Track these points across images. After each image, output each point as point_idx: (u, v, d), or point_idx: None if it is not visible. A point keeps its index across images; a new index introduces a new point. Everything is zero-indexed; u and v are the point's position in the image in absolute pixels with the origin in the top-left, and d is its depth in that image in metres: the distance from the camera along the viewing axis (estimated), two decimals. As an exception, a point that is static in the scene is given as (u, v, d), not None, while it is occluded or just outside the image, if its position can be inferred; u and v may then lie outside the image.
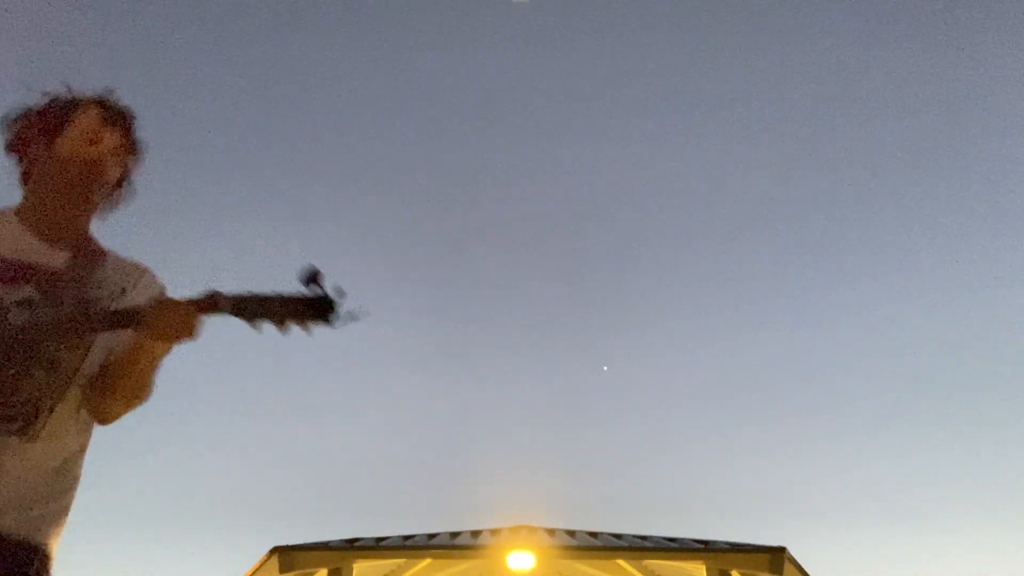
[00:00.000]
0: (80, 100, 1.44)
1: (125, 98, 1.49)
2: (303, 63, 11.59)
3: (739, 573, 6.88)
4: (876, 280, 12.22)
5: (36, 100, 1.44)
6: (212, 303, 1.30)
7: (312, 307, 1.34)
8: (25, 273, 1.31)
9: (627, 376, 13.78)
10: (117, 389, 1.33)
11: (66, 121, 1.41)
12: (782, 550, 6.53)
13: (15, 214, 1.39)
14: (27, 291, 1.29)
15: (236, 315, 1.31)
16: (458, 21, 11.42)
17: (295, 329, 1.33)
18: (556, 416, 13.91)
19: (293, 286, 1.34)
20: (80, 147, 1.39)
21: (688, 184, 12.39)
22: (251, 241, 12.16)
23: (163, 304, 1.29)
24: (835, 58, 11.10)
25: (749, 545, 6.81)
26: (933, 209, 11.86)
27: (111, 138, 1.43)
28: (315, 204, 12.50)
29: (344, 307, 1.37)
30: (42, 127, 1.41)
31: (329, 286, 1.35)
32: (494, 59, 12.00)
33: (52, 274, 1.33)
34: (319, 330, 1.35)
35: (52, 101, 1.44)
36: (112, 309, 1.34)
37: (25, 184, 1.43)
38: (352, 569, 6.65)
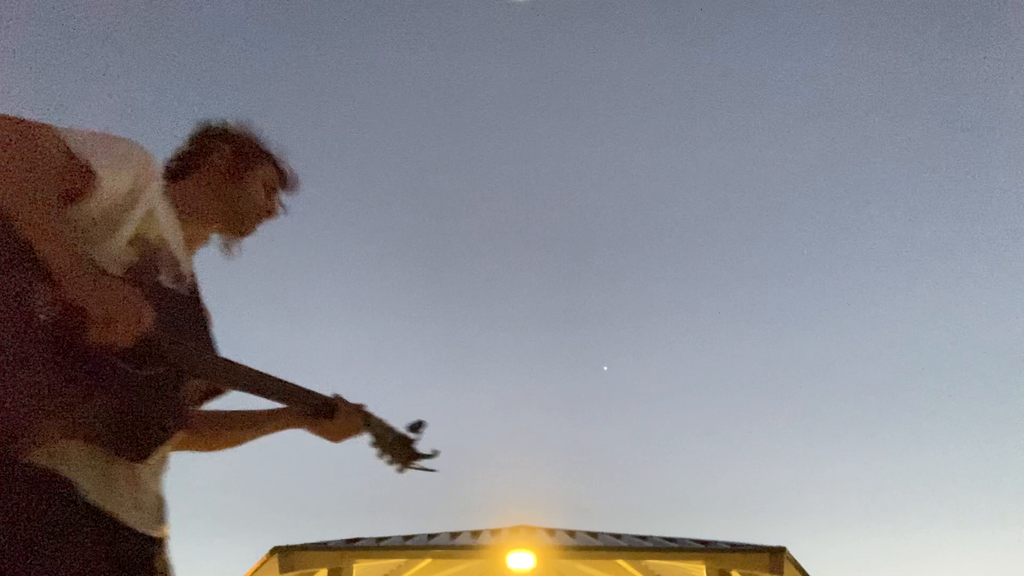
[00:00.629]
0: (270, 152, 1.50)
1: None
2: (300, 64, 11.59)
3: (739, 573, 6.88)
4: (876, 280, 12.23)
5: (234, 125, 1.48)
6: (367, 420, 1.55)
7: (414, 456, 1.61)
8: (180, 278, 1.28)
9: (627, 376, 13.79)
10: (221, 440, 1.55)
11: (256, 163, 1.46)
12: (782, 550, 6.53)
13: (172, 203, 1.32)
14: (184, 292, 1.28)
15: (375, 438, 1.58)
16: (459, 21, 11.43)
17: (396, 467, 1.60)
18: (556, 416, 13.92)
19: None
20: (263, 197, 1.47)
21: (688, 184, 12.40)
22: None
23: (351, 407, 1.53)
24: (838, 58, 11.10)
25: (749, 545, 6.82)
26: (932, 209, 11.86)
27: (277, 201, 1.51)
28: (316, 204, 12.49)
29: (429, 459, 1.64)
30: (238, 153, 1.44)
31: (425, 443, 1.62)
32: (492, 59, 12.00)
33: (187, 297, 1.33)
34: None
35: (249, 136, 1.48)
36: (308, 390, 1.50)
37: (184, 183, 1.40)
38: (352, 569, 6.65)
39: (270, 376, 1.39)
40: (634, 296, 13.37)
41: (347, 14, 11.23)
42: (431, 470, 1.64)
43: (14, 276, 0.98)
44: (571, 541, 7.44)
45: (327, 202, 12.52)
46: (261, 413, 1.56)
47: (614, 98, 12.11)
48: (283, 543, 6.52)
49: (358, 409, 1.55)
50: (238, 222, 1.44)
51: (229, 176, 1.42)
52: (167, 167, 1.42)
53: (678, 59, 11.61)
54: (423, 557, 7.37)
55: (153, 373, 1.10)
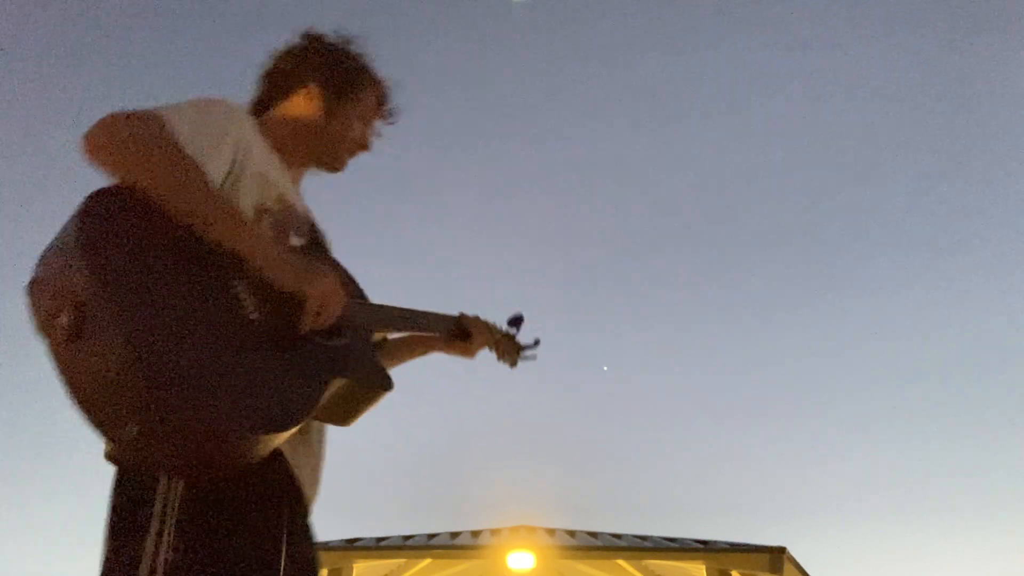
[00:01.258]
0: (372, 74, 1.35)
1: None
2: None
3: (739, 573, 6.88)
4: (876, 280, 12.22)
5: (330, 38, 1.33)
6: (491, 330, 1.61)
7: (521, 349, 1.69)
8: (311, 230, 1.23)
9: (627, 376, 13.78)
10: None
11: (356, 90, 1.33)
12: (782, 550, 6.53)
13: (265, 140, 1.20)
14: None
15: (494, 344, 1.62)
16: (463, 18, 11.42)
17: (508, 362, 1.67)
18: (556, 416, 13.91)
19: None
20: (361, 127, 1.35)
21: (688, 183, 12.40)
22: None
23: (480, 324, 1.55)
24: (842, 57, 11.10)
25: (749, 545, 6.81)
26: (929, 209, 11.86)
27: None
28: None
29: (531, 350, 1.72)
30: (334, 77, 1.30)
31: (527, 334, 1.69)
32: (494, 54, 12.00)
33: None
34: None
35: (349, 55, 1.33)
36: (444, 315, 1.51)
37: (274, 114, 1.29)
38: (352, 569, 6.65)
39: (414, 310, 1.41)
40: (634, 296, 13.38)
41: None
42: (534, 358, 1.71)
43: (211, 277, 0.94)
44: (571, 541, 7.43)
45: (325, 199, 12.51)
46: (401, 344, 1.53)
47: (617, 94, 12.11)
48: (283, 543, 6.51)
49: (484, 323, 1.58)
50: (332, 160, 1.34)
51: (325, 108, 1.30)
52: (255, 96, 1.32)
53: (685, 57, 11.60)
54: (423, 557, 7.36)
55: (345, 342, 1.12)
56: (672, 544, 7.08)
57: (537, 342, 1.66)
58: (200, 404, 0.78)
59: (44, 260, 0.85)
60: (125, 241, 0.86)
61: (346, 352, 1.10)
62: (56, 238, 0.86)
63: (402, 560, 7.55)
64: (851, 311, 12.57)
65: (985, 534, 12.40)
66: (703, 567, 6.75)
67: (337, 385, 1.04)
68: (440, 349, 1.54)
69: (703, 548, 6.87)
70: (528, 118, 12.41)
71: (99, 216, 0.86)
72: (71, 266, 0.80)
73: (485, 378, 14.07)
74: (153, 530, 0.88)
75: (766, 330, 12.95)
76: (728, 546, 6.85)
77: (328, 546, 6.71)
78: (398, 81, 1.40)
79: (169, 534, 0.88)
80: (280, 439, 0.90)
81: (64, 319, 0.78)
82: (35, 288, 0.84)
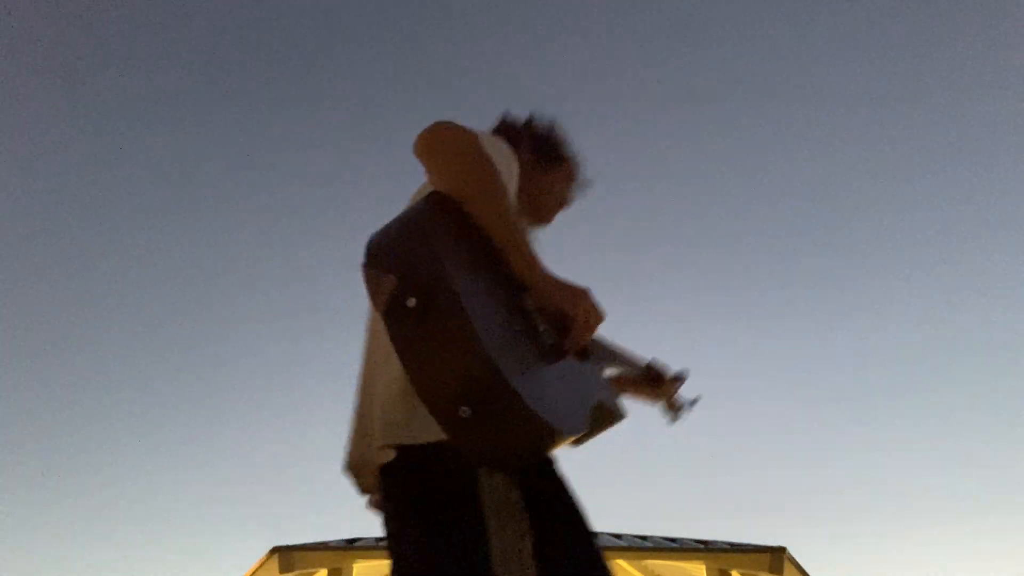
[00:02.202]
0: (567, 150, 1.53)
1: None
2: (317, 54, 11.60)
3: (739, 573, 6.88)
4: (876, 280, 12.24)
5: (535, 119, 1.51)
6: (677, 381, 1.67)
7: (683, 406, 1.69)
8: None
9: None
10: None
11: (558, 160, 1.50)
12: (782, 550, 6.54)
13: None
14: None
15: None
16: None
17: (669, 417, 1.67)
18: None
19: None
20: (568, 194, 1.53)
21: (688, 181, 12.41)
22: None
23: (670, 374, 1.61)
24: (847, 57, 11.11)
25: (749, 545, 6.82)
26: (927, 209, 11.88)
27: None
28: (313, 203, 12.50)
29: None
30: (545, 148, 1.48)
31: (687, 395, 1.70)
32: (499, 49, 12.00)
33: None
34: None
35: (551, 131, 1.51)
36: (640, 357, 1.59)
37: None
38: (352, 569, 6.66)
39: (619, 347, 1.50)
40: (633, 295, 13.38)
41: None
42: (687, 418, 1.72)
43: (509, 285, 1.01)
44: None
45: (325, 198, 12.54)
46: None
47: (620, 90, 12.12)
48: (283, 543, 6.53)
49: (673, 375, 1.63)
50: (544, 215, 1.50)
51: (538, 170, 1.45)
52: None
53: (690, 53, 11.60)
54: (423, 557, 7.35)
55: (593, 366, 1.19)
56: (672, 544, 7.09)
57: (696, 401, 1.69)
58: (529, 396, 0.83)
59: (383, 245, 0.92)
60: (460, 238, 0.95)
61: (597, 375, 1.18)
62: (396, 227, 0.93)
63: (402, 560, 7.53)
64: (852, 311, 12.59)
65: (986, 534, 12.42)
66: (703, 567, 6.75)
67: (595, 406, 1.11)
68: (627, 388, 1.61)
69: (703, 548, 6.88)
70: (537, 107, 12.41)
71: (442, 213, 0.96)
72: (420, 255, 0.88)
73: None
74: (494, 523, 0.93)
75: (766, 329, 12.96)
76: (728, 546, 6.86)
77: (328, 546, 6.72)
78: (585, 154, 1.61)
79: (517, 525, 0.93)
80: (567, 444, 0.96)
81: (413, 302, 0.84)
82: (374, 270, 0.90)
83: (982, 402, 12.37)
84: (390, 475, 1.05)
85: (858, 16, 10.60)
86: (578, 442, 1.17)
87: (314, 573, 6.94)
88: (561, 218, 1.58)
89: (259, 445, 13.28)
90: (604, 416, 1.17)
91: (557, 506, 1.04)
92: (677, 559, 7.11)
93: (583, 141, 1.60)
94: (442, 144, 1.04)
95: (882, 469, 12.83)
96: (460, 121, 1.08)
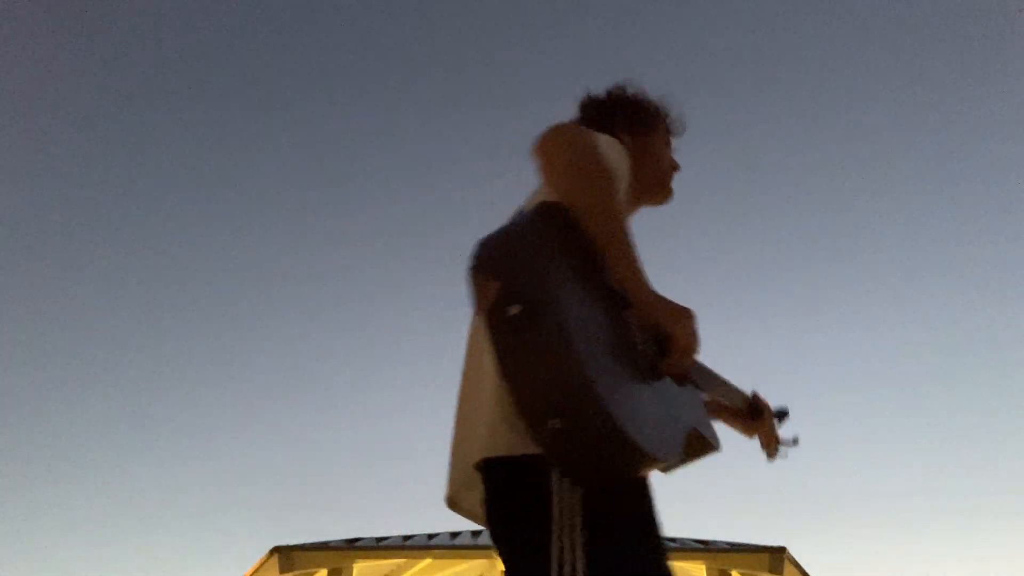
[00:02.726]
0: (656, 104, 1.43)
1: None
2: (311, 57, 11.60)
3: (739, 573, 6.88)
4: (876, 280, 12.24)
5: (621, 86, 1.41)
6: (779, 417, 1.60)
7: (782, 443, 1.62)
8: None
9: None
10: None
11: (654, 125, 1.41)
12: (782, 550, 6.53)
13: None
14: None
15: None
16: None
17: (767, 453, 1.60)
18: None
19: None
20: (667, 152, 1.42)
21: (687, 180, 12.39)
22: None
23: (769, 409, 1.54)
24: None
25: (749, 545, 6.82)
26: (927, 210, 11.88)
27: None
28: (311, 205, 12.51)
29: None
30: (637, 121, 1.39)
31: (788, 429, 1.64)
32: (498, 49, 12.00)
33: None
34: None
35: (636, 97, 1.41)
36: (740, 388, 1.51)
37: None
38: (352, 569, 6.66)
39: (718, 374, 1.44)
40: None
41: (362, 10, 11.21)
42: (786, 456, 1.63)
43: (612, 301, 0.99)
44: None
45: (325, 200, 12.52)
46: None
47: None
48: (283, 543, 6.53)
49: (770, 409, 1.56)
50: (663, 190, 1.42)
51: (639, 150, 1.36)
52: None
53: (686, 56, 11.60)
54: (423, 557, 7.37)
55: (690, 391, 1.16)
56: (672, 544, 7.09)
57: (796, 441, 1.64)
58: (622, 415, 0.83)
59: (490, 251, 0.92)
60: (568, 248, 0.95)
61: (694, 401, 1.14)
62: (505, 233, 0.94)
63: (402, 560, 7.55)
64: (852, 311, 12.59)
65: (986, 534, 12.43)
66: (703, 567, 6.75)
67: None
68: (722, 417, 1.55)
69: (703, 548, 6.88)
70: (538, 111, 12.42)
71: (552, 221, 0.96)
72: (526, 263, 0.88)
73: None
74: (556, 533, 0.91)
75: (765, 328, 12.96)
76: (728, 546, 6.86)
77: (328, 546, 6.72)
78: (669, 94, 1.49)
79: (574, 537, 0.91)
80: (658, 468, 0.95)
81: (515, 310, 0.84)
82: (480, 275, 0.91)
83: (984, 402, 12.37)
84: (490, 485, 1.02)
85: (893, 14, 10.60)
86: (668, 468, 1.15)
87: (314, 573, 6.94)
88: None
89: (259, 445, 13.28)
90: (698, 445, 1.14)
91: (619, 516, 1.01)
92: (677, 559, 7.11)
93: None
94: (558, 151, 1.02)
95: (882, 469, 12.84)
96: (570, 124, 1.06)
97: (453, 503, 1.14)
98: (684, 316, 1.01)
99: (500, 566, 7.23)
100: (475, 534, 7.77)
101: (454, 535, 7.65)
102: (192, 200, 11.93)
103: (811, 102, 11.47)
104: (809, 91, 11.46)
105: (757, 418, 1.53)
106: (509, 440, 0.97)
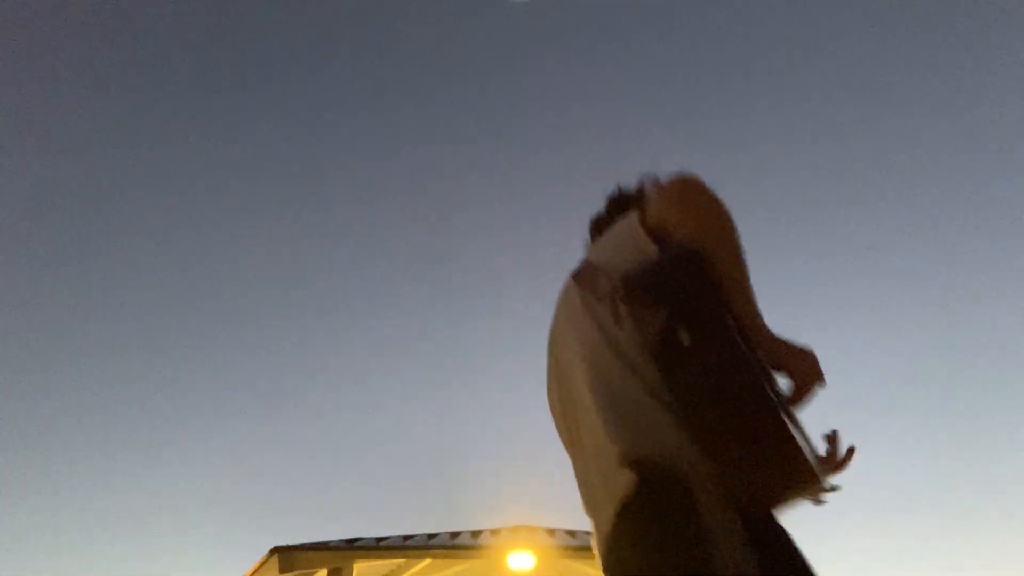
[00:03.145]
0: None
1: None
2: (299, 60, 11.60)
3: (739, 573, 6.87)
4: (875, 278, 12.24)
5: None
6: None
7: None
8: None
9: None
10: None
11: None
12: (782, 550, 6.51)
13: None
14: None
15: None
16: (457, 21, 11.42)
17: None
18: (556, 416, 13.89)
19: None
20: None
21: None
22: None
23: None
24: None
25: (749, 545, 6.80)
26: (924, 209, 11.88)
27: None
28: (311, 206, 12.51)
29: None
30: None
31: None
32: (494, 59, 12.00)
33: None
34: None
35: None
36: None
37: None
38: (352, 569, 6.66)
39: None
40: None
41: (344, 17, 11.21)
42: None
43: (742, 337, 1.01)
44: (571, 541, 7.44)
45: (325, 200, 12.52)
46: None
47: (618, 96, 12.12)
48: (283, 543, 6.53)
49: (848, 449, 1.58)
50: None
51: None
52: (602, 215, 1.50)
53: (681, 60, 11.59)
54: (423, 557, 7.37)
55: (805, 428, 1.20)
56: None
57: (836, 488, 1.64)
58: (802, 444, 0.87)
59: (649, 281, 0.97)
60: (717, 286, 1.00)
61: (808, 438, 1.16)
62: (661, 263, 0.98)
63: (402, 560, 7.55)
64: (852, 309, 12.59)
65: (986, 534, 12.42)
66: (703, 567, 6.73)
67: None
68: None
69: (703, 548, 6.86)
70: (536, 116, 12.43)
71: (698, 265, 1.01)
72: (692, 291, 0.93)
73: (485, 378, 14.09)
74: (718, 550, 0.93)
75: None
76: (728, 546, 6.84)
77: (328, 546, 6.71)
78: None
79: (734, 543, 0.94)
80: (810, 498, 0.99)
81: (685, 336, 0.89)
82: (637, 306, 0.95)
83: (984, 402, 12.36)
84: (635, 501, 1.03)
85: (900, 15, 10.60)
86: (819, 499, 1.18)
87: (314, 573, 6.94)
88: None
89: (259, 445, 13.28)
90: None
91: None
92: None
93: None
94: (698, 197, 1.09)
95: (883, 469, 12.84)
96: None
97: (591, 511, 1.16)
98: (810, 357, 1.07)
99: (500, 566, 7.21)
100: (475, 534, 7.77)
101: (454, 535, 7.65)
102: (191, 200, 11.94)
103: (810, 100, 11.47)
104: (809, 90, 11.46)
105: (830, 455, 1.54)
106: (649, 457, 0.98)
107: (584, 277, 1.24)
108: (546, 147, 12.55)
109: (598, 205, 1.62)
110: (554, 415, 1.35)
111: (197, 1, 10.82)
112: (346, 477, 13.49)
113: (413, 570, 7.85)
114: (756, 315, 1.07)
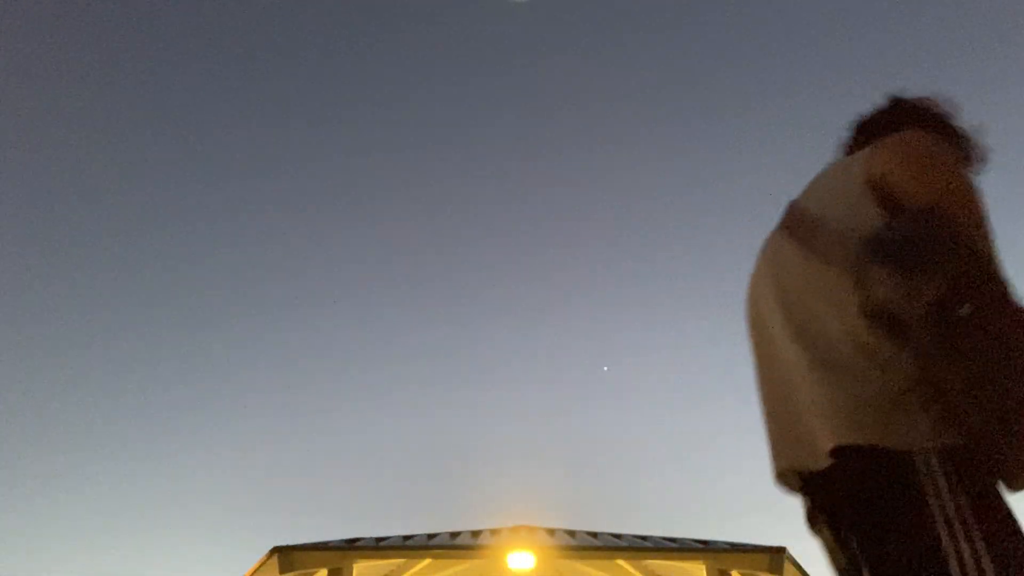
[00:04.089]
0: (961, 132, 1.31)
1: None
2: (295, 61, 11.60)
3: (739, 573, 6.88)
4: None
5: (935, 104, 1.28)
6: None
7: None
8: None
9: (627, 376, 13.79)
10: None
11: (974, 156, 1.30)
12: (782, 550, 6.53)
13: None
14: None
15: None
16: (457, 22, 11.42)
17: None
18: (556, 416, 13.92)
19: None
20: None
21: (688, 181, 12.40)
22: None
23: None
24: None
25: (749, 545, 6.81)
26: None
27: None
28: (311, 206, 12.50)
29: None
30: (965, 149, 1.28)
31: None
32: (494, 59, 12.00)
33: None
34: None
35: (943, 114, 1.28)
36: None
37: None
38: (352, 569, 6.65)
39: None
40: (635, 295, 13.38)
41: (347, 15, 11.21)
42: None
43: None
44: (571, 541, 7.44)
45: (325, 200, 12.51)
46: None
47: (615, 98, 12.12)
48: (283, 543, 6.52)
49: None
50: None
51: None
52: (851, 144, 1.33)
53: (678, 61, 11.57)
54: (423, 557, 7.36)
55: None
56: (672, 544, 7.08)
57: None
58: None
59: (919, 248, 0.93)
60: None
61: None
62: (927, 230, 0.95)
63: (402, 560, 7.55)
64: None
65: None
66: (703, 567, 6.75)
67: None
68: None
69: (703, 548, 6.87)
70: (535, 118, 12.42)
71: (958, 233, 0.96)
72: (968, 260, 0.91)
73: (485, 378, 14.08)
74: (948, 534, 0.90)
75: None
76: (728, 546, 6.85)
77: (328, 546, 6.71)
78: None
79: (973, 538, 0.90)
80: None
81: (967, 308, 0.87)
82: (906, 275, 0.92)
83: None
84: (846, 473, 1.00)
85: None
86: None
87: (314, 573, 6.93)
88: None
89: (259, 446, 13.28)
90: None
91: None
92: (677, 559, 7.11)
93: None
94: (930, 161, 1.03)
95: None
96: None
97: (784, 480, 1.15)
98: None
99: (500, 566, 7.20)
100: (475, 534, 7.77)
101: (454, 535, 7.64)
102: (192, 200, 11.93)
103: (806, 97, 11.47)
104: (808, 89, 11.44)
105: None
106: (875, 430, 0.95)
107: (800, 230, 1.16)
108: (546, 147, 12.55)
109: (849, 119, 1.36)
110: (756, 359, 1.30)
111: (197, 1, 10.82)
112: (346, 477, 13.49)
113: (413, 570, 7.85)
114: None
